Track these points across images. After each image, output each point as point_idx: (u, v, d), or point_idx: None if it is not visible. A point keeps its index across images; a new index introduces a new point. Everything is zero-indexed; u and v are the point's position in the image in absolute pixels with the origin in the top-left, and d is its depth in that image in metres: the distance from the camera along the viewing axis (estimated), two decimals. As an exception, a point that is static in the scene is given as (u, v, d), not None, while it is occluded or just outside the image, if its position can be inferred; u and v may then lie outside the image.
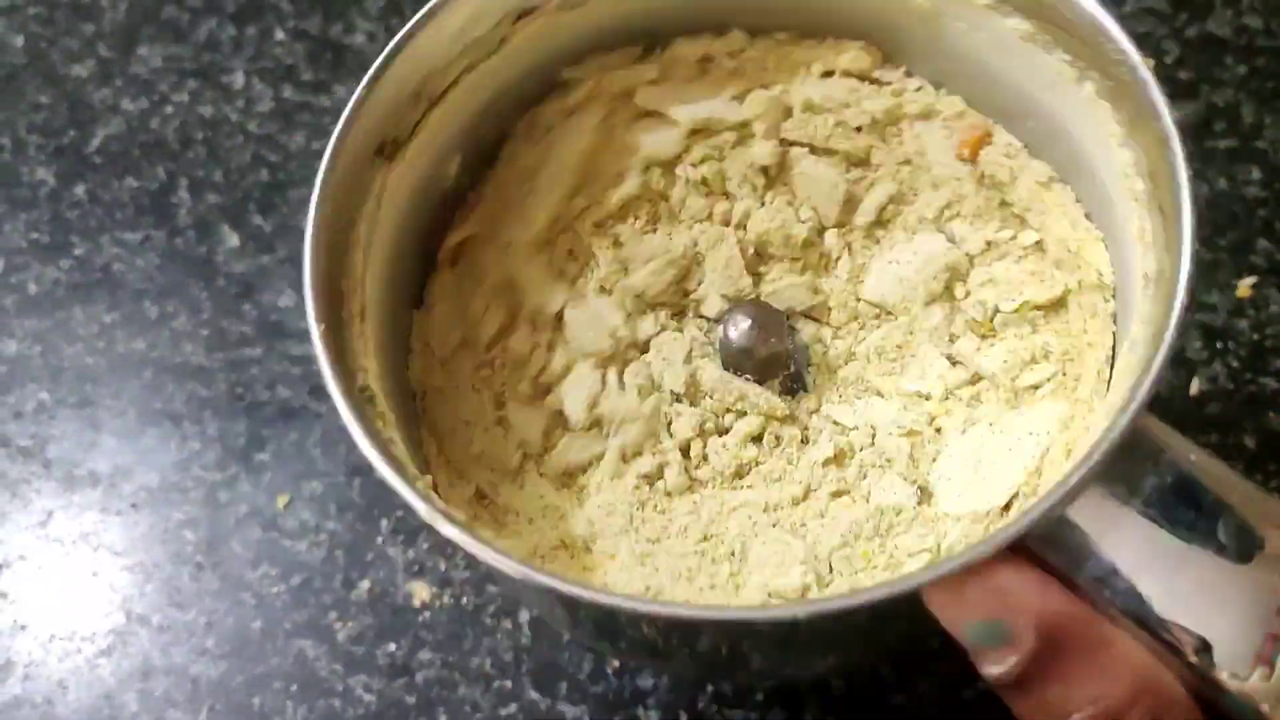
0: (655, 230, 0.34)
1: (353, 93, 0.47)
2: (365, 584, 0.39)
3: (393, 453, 0.26)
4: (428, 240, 0.33)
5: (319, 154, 0.45)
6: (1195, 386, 0.39)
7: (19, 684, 0.38)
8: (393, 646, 0.38)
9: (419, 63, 0.31)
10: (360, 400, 0.27)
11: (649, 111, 0.34)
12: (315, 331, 0.27)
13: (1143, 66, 0.28)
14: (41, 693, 0.38)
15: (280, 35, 0.49)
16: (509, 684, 0.37)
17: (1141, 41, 0.45)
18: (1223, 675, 0.23)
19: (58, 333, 0.44)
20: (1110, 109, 0.30)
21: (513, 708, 0.37)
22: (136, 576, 0.40)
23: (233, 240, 0.45)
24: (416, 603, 0.38)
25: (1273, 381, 0.40)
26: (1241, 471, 0.35)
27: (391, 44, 0.30)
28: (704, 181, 0.34)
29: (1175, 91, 0.45)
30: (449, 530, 0.24)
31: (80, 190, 0.46)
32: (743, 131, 0.34)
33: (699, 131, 0.34)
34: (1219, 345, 0.40)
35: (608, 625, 0.28)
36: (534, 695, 0.37)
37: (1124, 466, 0.24)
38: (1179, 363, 0.40)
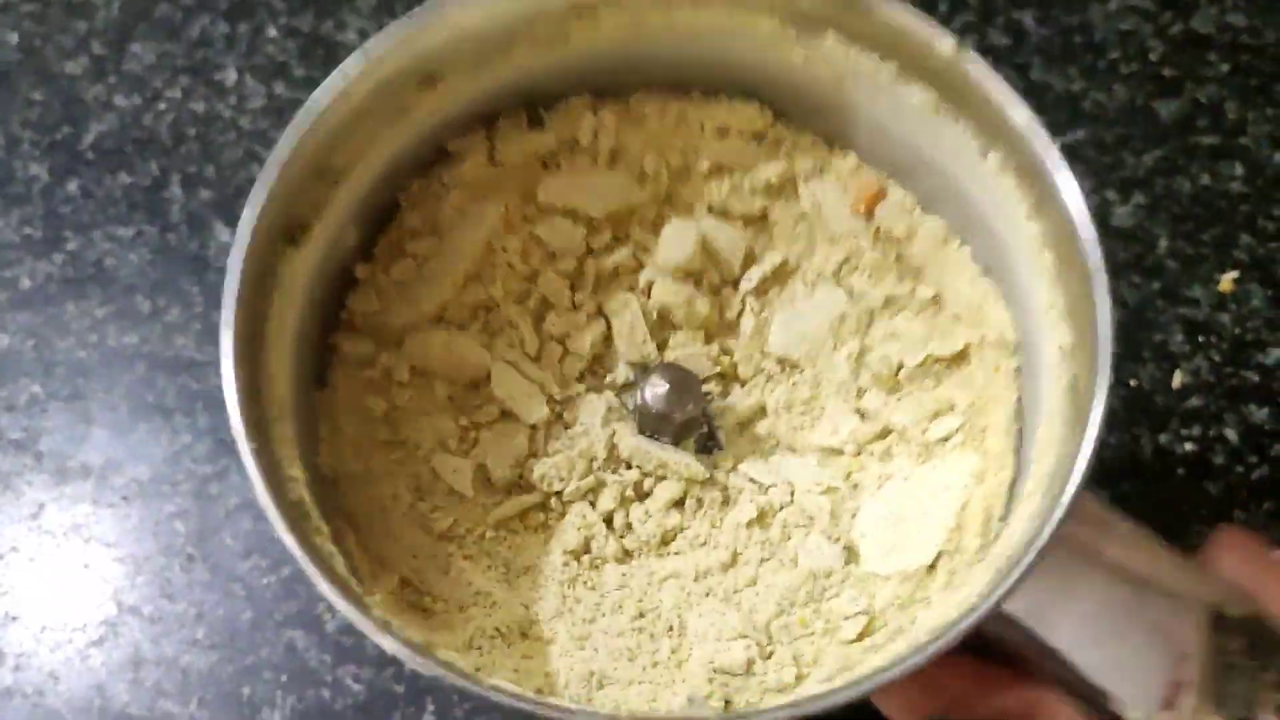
0: (572, 300, 0.33)
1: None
2: (355, 575, 0.39)
3: (337, 570, 0.26)
4: (323, 312, 0.32)
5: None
6: (1177, 380, 0.40)
7: (10, 675, 0.38)
8: (382, 637, 0.38)
9: (329, 139, 0.30)
10: (297, 516, 0.26)
11: (551, 205, 0.34)
12: (246, 452, 0.26)
13: (1054, 152, 0.28)
14: (33, 683, 0.38)
15: (272, 32, 0.49)
16: (497, 674, 0.37)
17: (1126, 40, 0.46)
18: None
19: (50, 327, 0.44)
20: (1015, 185, 0.30)
21: (500, 697, 0.37)
22: (128, 568, 0.40)
23: (225, 235, 0.45)
24: (405, 594, 0.39)
25: (1254, 375, 0.40)
26: (1222, 463, 0.36)
27: (299, 118, 0.29)
28: (615, 265, 0.33)
29: (1159, 89, 0.45)
30: (398, 650, 0.25)
31: (73, 186, 0.47)
32: (651, 211, 0.34)
33: (609, 219, 0.33)
34: (1201, 339, 0.40)
35: None
36: (522, 685, 0.37)
37: (1054, 564, 0.25)
38: (1162, 356, 0.40)
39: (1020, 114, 0.28)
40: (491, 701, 0.24)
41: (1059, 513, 0.24)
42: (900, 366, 0.32)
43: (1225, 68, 0.45)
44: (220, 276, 0.44)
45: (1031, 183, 0.29)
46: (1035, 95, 0.45)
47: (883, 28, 0.30)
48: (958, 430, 0.31)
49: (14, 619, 0.39)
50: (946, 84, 0.30)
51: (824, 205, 0.34)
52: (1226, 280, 0.41)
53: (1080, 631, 0.26)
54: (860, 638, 0.29)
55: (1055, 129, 0.44)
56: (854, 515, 0.30)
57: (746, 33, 0.32)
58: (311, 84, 0.47)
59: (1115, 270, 0.39)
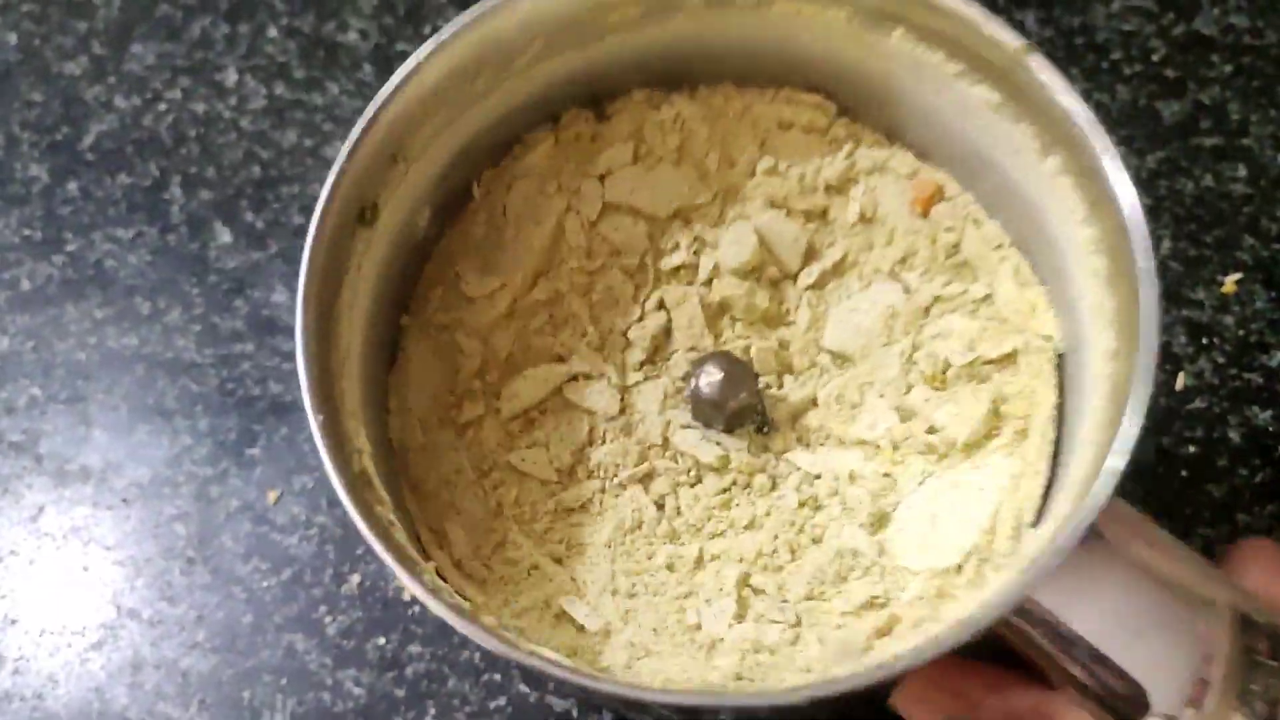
0: (634, 294, 0.34)
1: (346, 90, 0.47)
2: (355, 578, 0.39)
3: (394, 538, 0.27)
4: (398, 290, 0.33)
5: (311, 151, 0.46)
6: (1180, 382, 0.40)
7: (9, 678, 0.38)
8: (382, 640, 0.38)
9: (397, 124, 0.31)
10: (359, 485, 0.27)
11: (616, 204, 0.34)
12: (314, 423, 0.27)
13: (1114, 156, 0.28)
14: (32, 687, 0.38)
15: (273, 33, 0.49)
16: (498, 677, 0.37)
17: (1128, 40, 0.46)
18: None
19: (50, 328, 0.44)
20: (1074, 186, 0.30)
21: (501, 700, 0.37)
22: (127, 571, 0.40)
23: (225, 236, 0.45)
24: (406, 596, 0.38)
25: (1257, 377, 0.40)
26: (1225, 465, 0.36)
27: (370, 108, 0.30)
28: (678, 262, 0.34)
29: (1162, 90, 0.45)
30: (456, 621, 0.25)
31: (73, 187, 0.46)
32: (713, 209, 0.34)
33: (673, 217, 0.34)
34: (1204, 341, 0.40)
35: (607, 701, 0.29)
36: (523, 689, 0.37)
37: (1080, 558, 0.25)
38: (1165, 358, 0.40)
39: (1083, 115, 0.28)
40: (528, 668, 0.25)
41: (1087, 514, 0.25)
42: (948, 365, 0.32)
43: (1228, 69, 0.45)
44: (220, 279, 0.44)
45: (1089, 186, 0.29)
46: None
47: (950, 24, 0.30)
48: (999, 434, 0.31)
49: (13, 622, 0.39)
50: (1010, 83, 0.30)
51: (883, 202, 0.34)
52: (1229, 282, 0.41)
53: (1106, 625, 0.26)
54: (882, 631, 0.29)
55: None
56: (893, 509, 0.31)
57: (814, 25, 0.32)
58: (312, 85, 0.48)
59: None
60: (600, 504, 0.32)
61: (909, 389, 0.32)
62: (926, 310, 0.33)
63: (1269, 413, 0.39)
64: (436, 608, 0.25)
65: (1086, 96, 0.44)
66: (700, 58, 0.34)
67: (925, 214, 0.34)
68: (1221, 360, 0.40)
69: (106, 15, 0.50)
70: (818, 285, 0.34)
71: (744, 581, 0.30)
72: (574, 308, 0.33)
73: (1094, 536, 0.25)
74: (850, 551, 0.30)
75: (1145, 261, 0.27)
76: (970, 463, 0.31)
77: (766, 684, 0.28)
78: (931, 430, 0.31)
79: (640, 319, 0.33)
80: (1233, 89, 0.45)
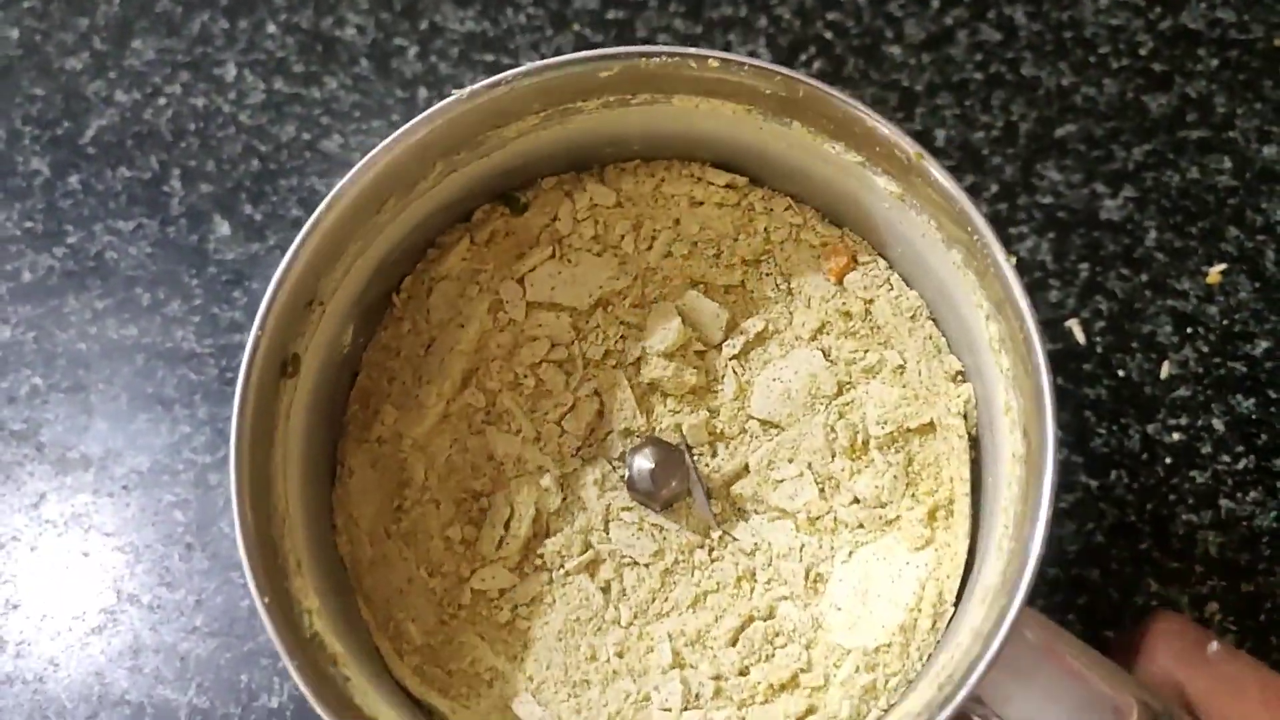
0: (565, 383, 0.34)
1: (344, 84, 0.48)
2: (352, 563, 0.39)
3: (355, 704, 0.28)
4: (329, 407, 0.33)
5: (309, 145, 0.47)
6: (1165, 370, 0.40)
7: (11, 661, 0.39)
8: (378, 624, 0.39)
9: (309, 273, 0.30)
10: (312, 649, 0.28)
11: (539, 302, 0.35)
12: (260, 605, 0.27)
13: (1010, 266, 0.28)
14: (33, 670, 0.39)
15: (272, 28, 0.50)
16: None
17: (1116, 35, 0.46)
18: None
19: (51, 319, 0.44)
20: (977, 283, 0.30)
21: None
22: (127, 556, 0.40)
23: (224, 229, 0.46)
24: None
25: (1241, 366, 0.40)
26: (1209, 452, 0.37)
27: (282, 267, 0.30)
28: (605, 349, 0.34)
29: (1149, 84, 0.45)
30: None
31: (74, 180, 0.47)
32: (634, 292, 0.35)
33: (595, 305, 0.34)
34: (1189, 330, 0.41)
35: None
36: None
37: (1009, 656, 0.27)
38: (1150, 347, 0.41)
39: (980, 224, 0.29)
40: None
41: (999, 636, 0.26)
42: (868, 436, 0.33)
43: (1214, 62, 0.46)
44: (219, 270, 0.45)
45: (992, 287, 0.29)
46: (1027, 90, 0.46)
47: (845, 123, 0.31)
48: (920, 502, 0.32)
49: (15, 607, 0.40)
50: (911, 179, 0.31)
51: (797, 272, 0.35)
52: (1214, 273, 0.42)
53: (1033, 710, 0.28)
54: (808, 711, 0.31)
55: (1046, 123, 0.45)
56: (825, 582, 0.32)
57: (713, 116, 0.33)
58: (311, 80, 0.48)
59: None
60: (551, 596, 0.32)
61: (833, 457, 0.33)
62: (847, 377, 0.34)
63: (1252, 401, 0.40)
64: None
65: (1075, 90, 0.45)
66: (606, 143, 0.34)
67: (839, 281, 0.34)
68: (1206, 349, 0.41)
69: (107, 11, 0.51)
70: (742, 355, 0.34)
71: (682, 662, 0.31)
72: (507, 404, 0.34)
73: (1019, 637, 0.27)
74: (789, 630, 0.32)
75: (1044, 379, 0.27)
76: (893, 536, 0.32)
77: None
78: (855, 501, 0.32)
79: (573, 407, 0.34)
80: (1219, 83, 0.45)
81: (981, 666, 0.26)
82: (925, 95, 0.46)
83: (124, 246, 0.46)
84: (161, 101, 0.48)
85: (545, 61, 0.31)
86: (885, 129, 0.30)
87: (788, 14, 0.48)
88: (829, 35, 0.48)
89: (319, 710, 0.27)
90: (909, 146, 0.30)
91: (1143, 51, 0.46)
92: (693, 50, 0.31)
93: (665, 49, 0.31)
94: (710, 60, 0.31)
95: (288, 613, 0.28)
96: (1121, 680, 0.29)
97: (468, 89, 0.31)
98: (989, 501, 0.31)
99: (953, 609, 0.31)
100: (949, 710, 0.26)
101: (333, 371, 0.33)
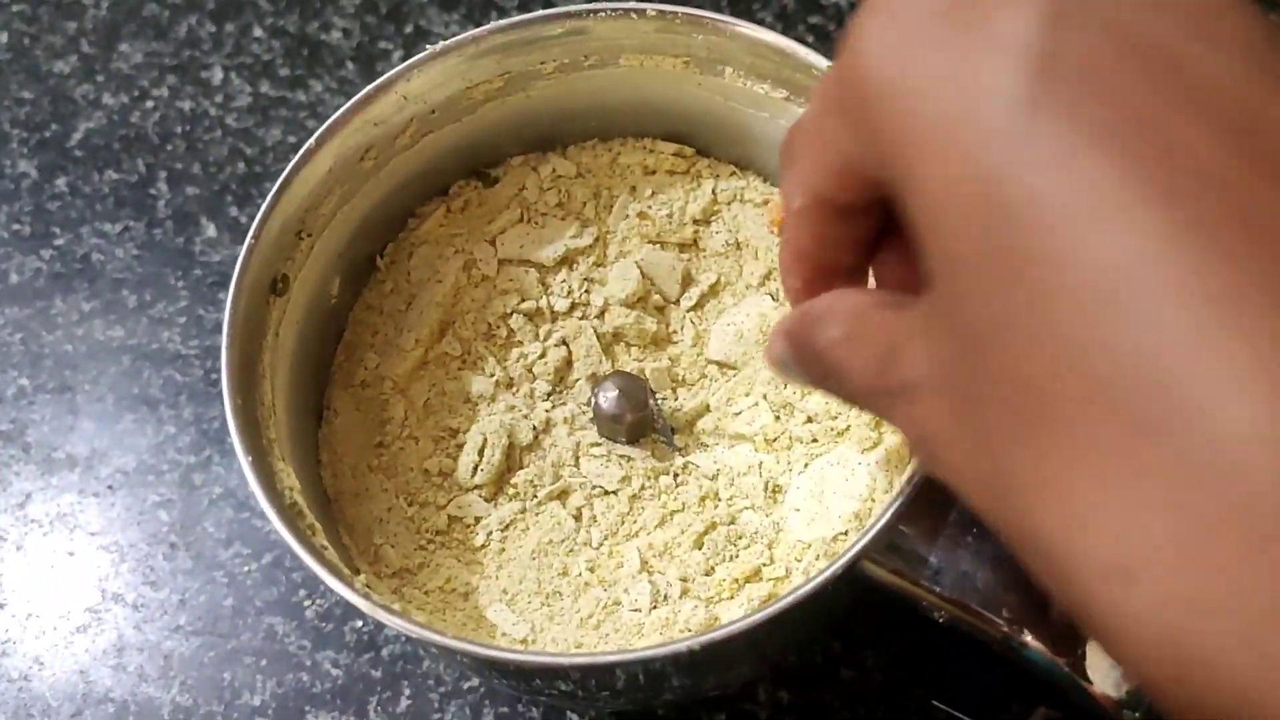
0: (535, 333, 0.37)
1: (329, 87, 0.48)
2: (334, 563, 0.40)
3: (326, 558, 0.30)
4: (318, 355, 0.36)
5: (296, 148, 0.47)
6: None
7: (-3, 660, 0.39)
8: (359, 623, 0.39)
9: (299, 203, 0.34)
10: (291, 515, 0.30)
11: (509, 259, 0.38)
12: (244, 462, 0.30)
13: None
14: (18, 669, 0.39)
15: (258, 32, 0.50)
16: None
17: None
18: (1025, 637, 0.28)
19: (38, 320, 0.45)
20: None
21: (475, 681, 0.38)
22: (112, 556, 0.41)
23: (210, 231, 0.46)
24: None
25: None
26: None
27: (274, 188, 0.33)
28: (570, 302, 0.37)
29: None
30: (387, 618, 0.28)
31: (61, 182, 0.47)
32: (596, 251, 0.38)
33: (560, 262, 0.37)
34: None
35: (532, 678, 0.32)
36: (496, 670, 0.38)
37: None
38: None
39: None
40: (476, 656, 0.28)
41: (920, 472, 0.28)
42: None
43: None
44: (205, 272, 0.45)
45: None
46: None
47: (768, 57, 0.34)
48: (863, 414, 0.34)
49: (0, 606, 0.40)
50: None
51: (744, 228, 0.38)
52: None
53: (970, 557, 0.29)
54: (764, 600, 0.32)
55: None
56: (784, 492, 0.34)
57: (657, 76, 0.37)
58: (297, 83, 0.49)
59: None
60: (524, 523, 0.34)
61: (785, 385, 0.35)
62: None
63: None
64: (368, 608, 0.28)
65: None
66: (566, 119, 0.38)
67: (780, 231, 0.36)
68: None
69: (95, 15, 0.51)
70: (697, 306, 0.37)
71: (650, 569, 0.33)
72: (480, 352, 0.36)
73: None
74: (751, 533, 0.33)
75: None
76: (845, 444, 0.34)
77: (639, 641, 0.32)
78: (809, 420, 0.34)
79: (542, 355, 0.36)
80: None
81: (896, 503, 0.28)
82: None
83: (111, 249, 0.46)
84: (149, 104, 0.49)
85: (505, 21, 0.35)
86: (798, 49, 0.33)
87: (770, 17, 0.49)
88: (811, 39, 0.48)
89: (303, 556, 0.28)
90: (820, 61, 0.33)
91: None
92: (632, 4, 0.35)
93: (608, 5, 0.35)
94: (649, 11, 0.35)
95: (269, 477, 0.30)
96: None
97: (439, 44, 0.35)
98: None
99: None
100: (864, 542, 0.27)
101: (320, 321, 0.36)
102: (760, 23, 0.48)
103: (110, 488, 0.42)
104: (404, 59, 0.49)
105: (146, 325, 0.44)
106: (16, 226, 0.47)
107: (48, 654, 0.39)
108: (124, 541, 0.41)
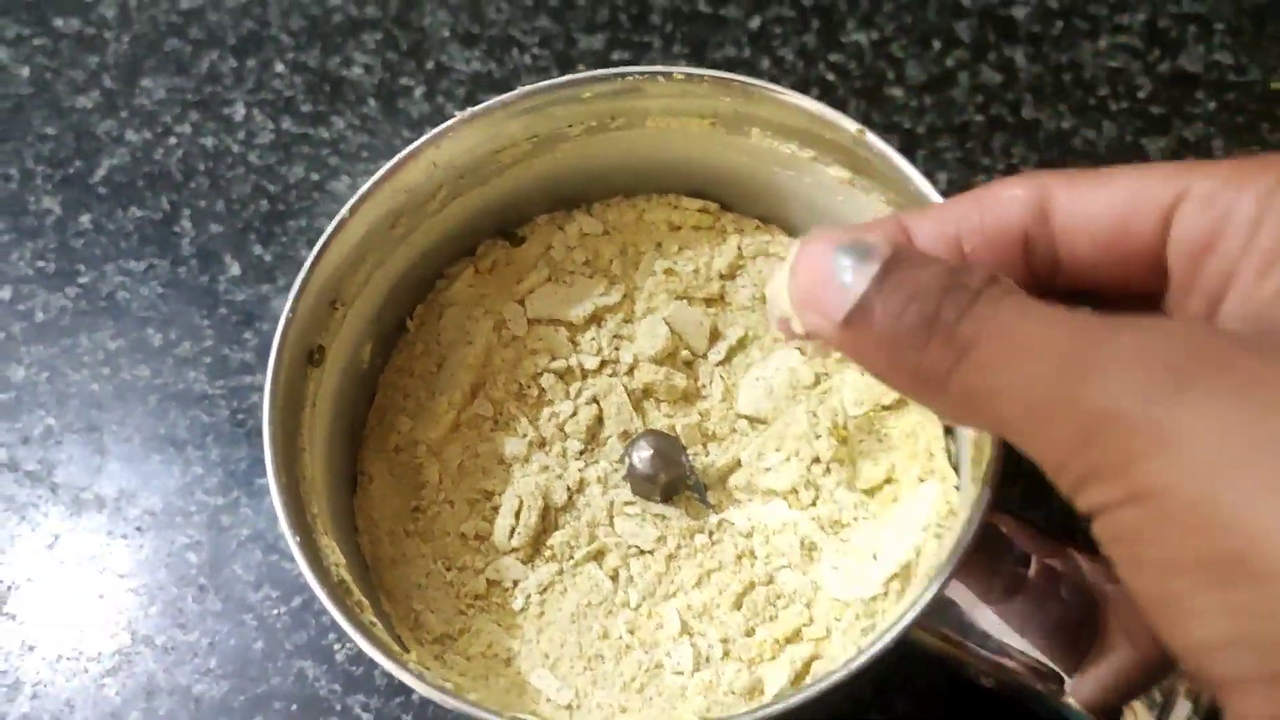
0: (565, 392, 0.37)
1: (351, 124, 0.49)
2: (363, 606, 0.40)
3: (376, 635, 0.30)
4: (350, 421, 0.37)
5: (318, 185, 0.47)
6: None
7: (27, 703, 0.39)
8: (390, 667, 0.39)
9: (333, 273, 0.34)
10: (339, 594, 0.30)
11: (539, 319, 0.38)
12: (293, 543, 0.30)
13: None
14: (49, 711, 0.39)
15: (280, 68, 0.50)
16: (502, 703, 0.38)
17: (1116, 77, 0.47)
18: (1069, 700, 0.29)
19: (64, 359, 0.45)
20: None
21: (505, 726, 0.38)
22: (141, 598, 0.41)
23: (234, 269, 0.46)
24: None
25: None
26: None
27: (308, 261, 0.33)
28: (600, 359, 0.37)
29: (1148, 126, 0.46)
30: (442, 698, 0.28)
31: (85, 219, 0.48)
32: (624, 308, 0.38)
33: (589, 320, 0.38)
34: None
35: None
36: (526, 714, 0.38)
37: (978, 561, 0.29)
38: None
39: (916, 178, 0.32)
40: None
41: (968, 538, 0.28)
42: (847, 417, 0.36)
43: (1212, 105, 0.46)
44: (230, 311, 0.45)
45: None
46: (1026, 132, 0.46)
47: (796, 118, 0.35)
48: (902, 469, 0.35)
49: (31, 648, 0.40)
50: (856, 160, 0.34)
51: (770, 281, 0.37)
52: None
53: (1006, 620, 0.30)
54: (809, 662, 0.32)
55: (1047, 166, 0.46)
56: (819, 550, 0.34)
57: (684, 135, 0.37)
58: (319, 120, 0.49)
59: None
60: (562, 585, 0.34)
61: (817, 438, 0.35)
62: (823, 368, 0.37)
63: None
64: (425, 690, 0.28)
65: (1074, 132, 0.46)
66: (592, 178, 0.39)
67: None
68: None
69: (117, 50, 0.51)
70: (725, 361, 0.37)
71: (691, 631, 0.33)
72: (512, 412, 0.37)
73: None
74: (790, 592, 0.33)
75: None
76: (880, 499, 0.34)
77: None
78: (840, 478, 0.35)
79: (574, 414, 0.36)
80: (1217, 125, 0.46)
81: (947, 570, 0.28)
82: (927, 138, 0.47)
83: (135, 286, 0.46)
84: (172, 141, 0.49)
85: (533, 86, 0.35)
86: (828, 113, 0.34)
87: (790, 55, 0.49)
88: (831, 77, 0.48)
89: (356, 638, 0.28)
90: (849, 125, 0.33)
91: (1141, 94, 0.47)
92: (660, 68, 0.35)
93: (636, 69, 0.36)
94: (675, 75, 0.35)
95: (315, 555, 0.31)
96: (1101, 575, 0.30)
97: (468, 111, 0.35)
98: (959, 456, 0.34)
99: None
100: (919, 608, 0.27)
101: (353, 386, 0.36)
102: (781, 61, 0.48)
103: (139, 529, 0.42)
104: (425, 95, 0.49)
105: (172, 365, 0.45)
106: (41, 264, 0.47)
107: (78, 697, 0.40)
108: (153, 583, 0.41)
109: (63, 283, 0.47)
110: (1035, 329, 0.20)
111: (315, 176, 0.48)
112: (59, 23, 0.52)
